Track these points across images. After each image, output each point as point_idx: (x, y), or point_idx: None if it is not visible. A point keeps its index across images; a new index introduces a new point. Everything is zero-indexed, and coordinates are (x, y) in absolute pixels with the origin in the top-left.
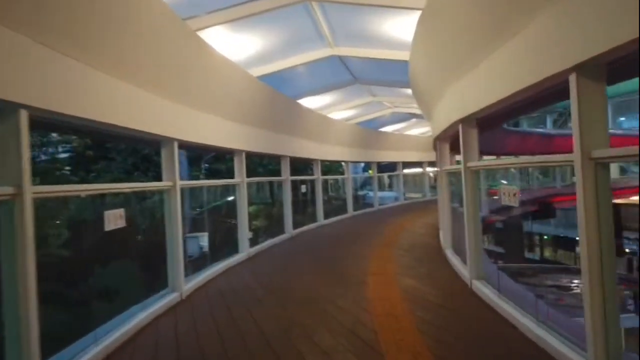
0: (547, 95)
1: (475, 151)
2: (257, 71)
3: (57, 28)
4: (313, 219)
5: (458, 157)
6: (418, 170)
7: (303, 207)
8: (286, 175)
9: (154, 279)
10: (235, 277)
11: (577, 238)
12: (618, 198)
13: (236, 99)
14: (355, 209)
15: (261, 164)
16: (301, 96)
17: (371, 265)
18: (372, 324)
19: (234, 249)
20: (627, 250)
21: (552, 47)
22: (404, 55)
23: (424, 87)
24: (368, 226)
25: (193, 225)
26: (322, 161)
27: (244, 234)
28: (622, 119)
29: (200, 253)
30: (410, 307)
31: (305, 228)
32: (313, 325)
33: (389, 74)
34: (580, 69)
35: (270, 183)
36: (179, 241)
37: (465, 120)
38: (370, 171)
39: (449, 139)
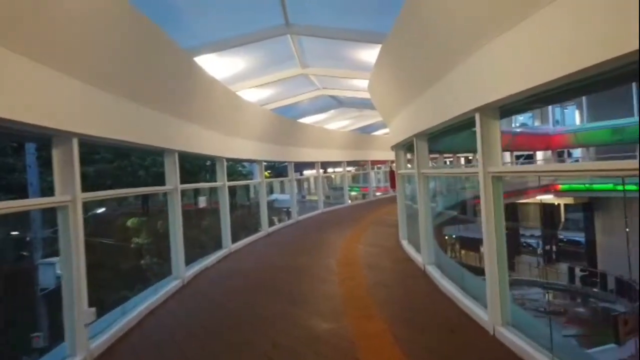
0: None
1: None
2: None
3: None
4: (215, 244)
5: None
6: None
7: (200, 229)
8: (174, 184)
9: None
10: None
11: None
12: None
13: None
14: (269, 224)
15: (143, 165)
16: (197, 50)
17: None
18: None
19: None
20: (525, 243)
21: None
22: None
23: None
24: (306, 258)
25: (47, 247)
26: (228, 160)
27: (74, 319)
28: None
29: (57, 284)
30: None
31: (205, 264)
32: None
33: (347, 14)
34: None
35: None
36: None
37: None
38: (266, 173)
39: None
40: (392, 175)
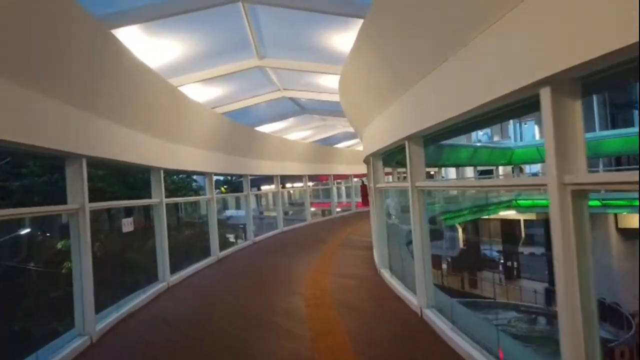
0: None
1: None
2: None
3: None
4: (149, 277)
5: None
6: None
7: (124, 259)
8: (79, 202)
9: None
10: None
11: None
12: None
13: None
14: (221, 247)
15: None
16: (115, 20)
17: None
18: None
19: None
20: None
21: None
22: None
23: None
24: (265, 296)
25: None
26: (169, 172)
27: None
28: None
29: None
30: None
31: (129, 308)
32: None
33: None
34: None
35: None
36: None
37: None
38: (223, 188)
39: None
40: (364, 190)
